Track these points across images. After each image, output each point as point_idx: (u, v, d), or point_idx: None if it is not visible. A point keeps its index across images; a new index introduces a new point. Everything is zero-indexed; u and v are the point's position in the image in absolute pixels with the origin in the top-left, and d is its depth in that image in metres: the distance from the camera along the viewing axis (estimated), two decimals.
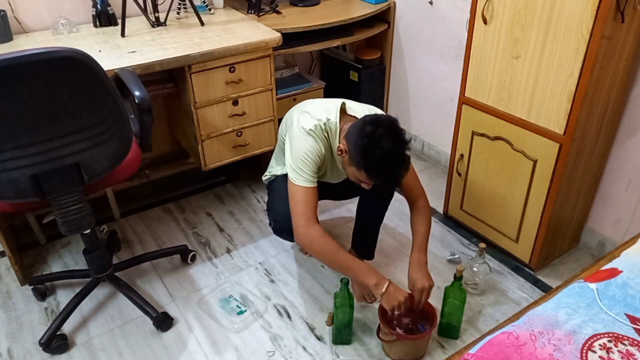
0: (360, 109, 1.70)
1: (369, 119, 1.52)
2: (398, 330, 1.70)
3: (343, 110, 1.68)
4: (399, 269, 2.11)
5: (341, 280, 1.67)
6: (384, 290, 1.58)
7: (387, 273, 2.01)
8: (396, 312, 1.60)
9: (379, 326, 1.73)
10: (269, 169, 2.01)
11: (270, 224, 1.91)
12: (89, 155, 1.50)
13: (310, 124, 1.62)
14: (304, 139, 1.61)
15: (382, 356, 1.74)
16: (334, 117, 1.65)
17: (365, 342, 1.80)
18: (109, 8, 2.22)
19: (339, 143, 1.62)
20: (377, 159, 1.47)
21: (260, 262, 2.17)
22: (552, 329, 1.19)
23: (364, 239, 2.03)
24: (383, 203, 1.92)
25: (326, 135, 1.64)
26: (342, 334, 1.76)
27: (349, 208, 2.45)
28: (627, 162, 1.97)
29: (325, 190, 1.92)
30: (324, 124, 1.63)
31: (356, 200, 2.02)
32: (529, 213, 1.99)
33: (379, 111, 1.72)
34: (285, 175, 1.81)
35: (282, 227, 1.80)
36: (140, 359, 1.75)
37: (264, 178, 2.03)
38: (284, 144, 1.80)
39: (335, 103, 1.69)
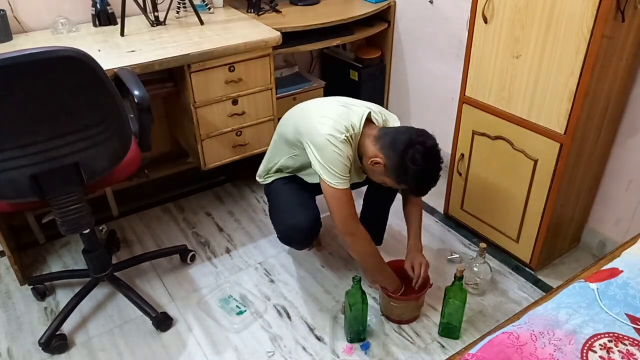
0: (389, 117, 1.80)
1: (413, 140, 1.58)
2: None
3: (368, 119, 1.70)
4: None
5: (354, 279, 1.65)
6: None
7: None
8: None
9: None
10: (265, 170, 1.99)
11: (278, 233, 1.94)
12: (88, 155, 1.49)
13: (341, 132, 1.62)
14: (338, 146, 1.61)
15: (382, 356, 1.74)
16: (358, 126, 1.67)
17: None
18: (108, 7, 2.21)
19: (359, 151, 1.70)
20: (415, 179, 1.62)
21: (260, 262, 2.17)
22: (552, 329, 1.19)
23: (373, 224, 2.00)
24: (391, 195, 1.99)
25: (352, 142, 1.67)
26: (358, 333, 1.76)
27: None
28: (628, 161, 1.97)
29: None
30: (350, 129, 1.65)
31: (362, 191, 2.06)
32: (530, 213, 1.99)
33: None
34: (286, 179, 1.88)
35: (291, 239, 1.89)
36: None
37: (259, 179, 2.02)
38: (285, 144, 1.81)
39: (358, 111, 1.69)
